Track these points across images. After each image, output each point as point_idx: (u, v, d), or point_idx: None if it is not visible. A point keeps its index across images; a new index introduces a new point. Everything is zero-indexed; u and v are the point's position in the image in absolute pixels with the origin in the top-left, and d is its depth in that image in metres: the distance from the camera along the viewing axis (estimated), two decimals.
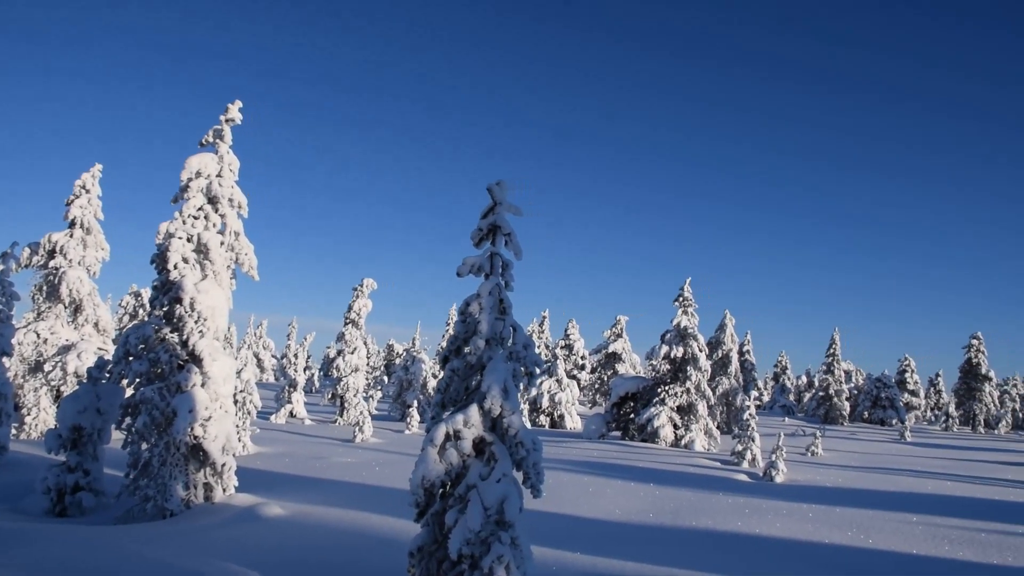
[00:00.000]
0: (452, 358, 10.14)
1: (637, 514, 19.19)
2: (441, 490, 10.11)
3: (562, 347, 72.06)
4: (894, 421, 73.20)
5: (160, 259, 17.67)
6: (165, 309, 17.62)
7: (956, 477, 31.50)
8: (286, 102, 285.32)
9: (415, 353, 51.02)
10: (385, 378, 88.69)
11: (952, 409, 74.46)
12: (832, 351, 75.08)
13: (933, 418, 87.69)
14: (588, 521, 18.10)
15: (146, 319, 18.59)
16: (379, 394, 50.46)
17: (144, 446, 16.78)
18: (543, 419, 48.91)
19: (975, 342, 76.59)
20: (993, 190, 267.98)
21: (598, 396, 63.06)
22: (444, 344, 9.60)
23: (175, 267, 17.40)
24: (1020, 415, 78.76)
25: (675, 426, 39.09)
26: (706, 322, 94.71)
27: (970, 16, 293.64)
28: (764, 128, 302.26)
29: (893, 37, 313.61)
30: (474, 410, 9.57)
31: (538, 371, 10.08)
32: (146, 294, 48.60)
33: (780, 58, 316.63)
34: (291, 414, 43.59)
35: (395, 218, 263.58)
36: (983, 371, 75.39)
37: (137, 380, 17.03)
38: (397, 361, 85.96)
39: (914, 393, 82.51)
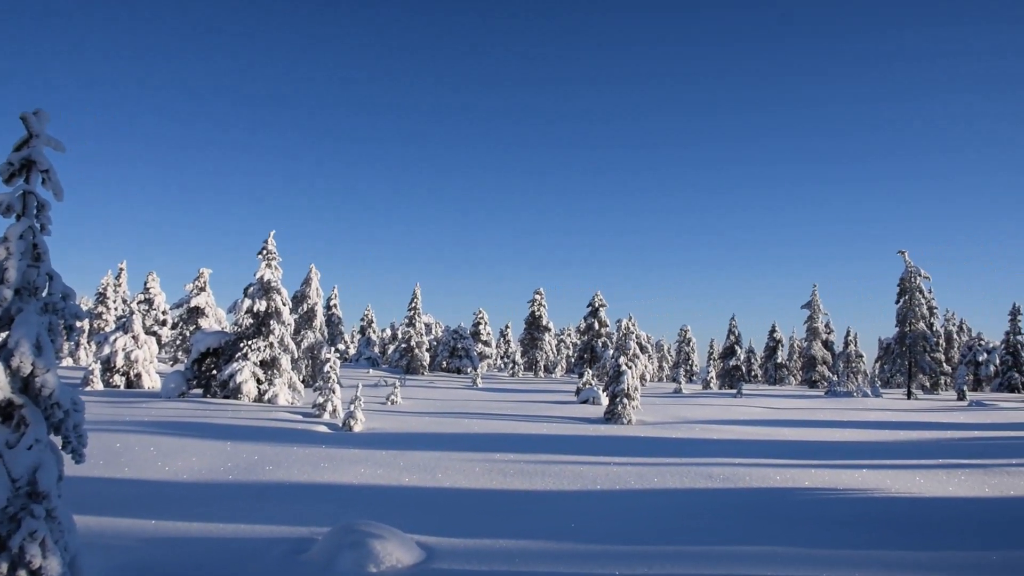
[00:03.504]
0: None
1: (211, 472, 18.58)
2: None
3: (141, 301, 67.52)
4: (469, 369, 79.02)
5: None
6: None
7: (515, 417, 34.90)
8: None
9: None
10: None
11: (519, 357, 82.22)
12: (414, 305, 78.83)
13: (503, 365, 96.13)
14: (158, 483, 17.14)
15: None
16: None
17: None
18: (118, 379, 45.38)
19: (537, 296, 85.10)
20: (547, 160, 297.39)
21: (180, 352, 60.07)
22: None
23: None
24: (572, 360, 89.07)
25: (259, 381, 38.44)
26: (293, 276, 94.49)
27: None
28: (335, 81, 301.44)
29: None
30: None
31: (79, 324, 9.13)
32: None
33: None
34: None
35: None
36: (544, 323, 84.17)
37: None
38: None
39: (487, 343, 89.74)
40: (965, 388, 62.32)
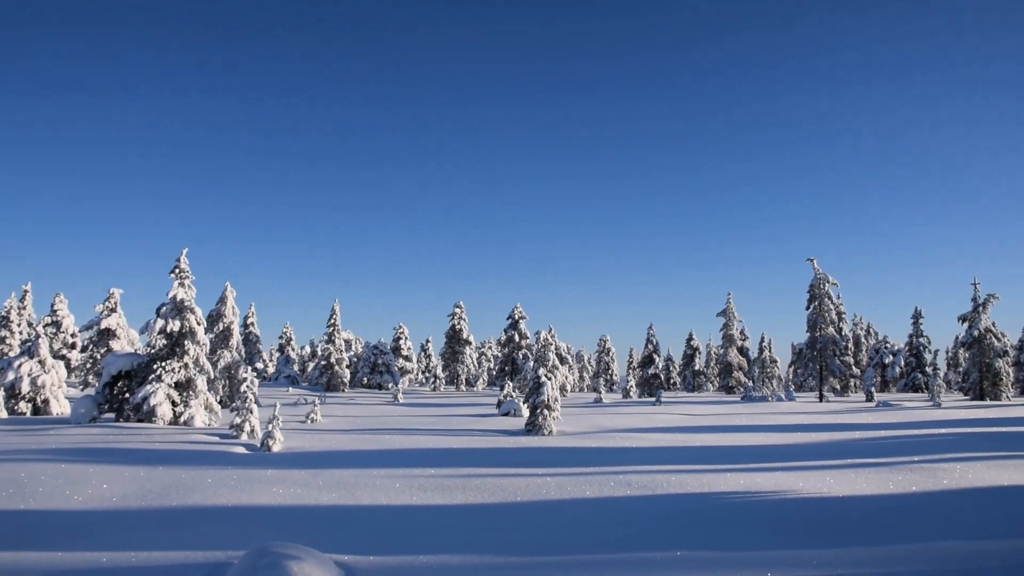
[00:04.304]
0: None
1: (123, 499, 18.05)
2: None
3: (48, 324, 65.43)
4: (390, 385, 78.51)
5: None
6: None
7: (436, 432, 34.86)
8: None
9: None
10: None
11: (440, 371, 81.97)
12: (333, 321, 78.10)
13: (424, 380, 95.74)
14: (66, 514, 16.57)
15: None
16: None
17: None
18: (24, 406, 43.66)
19: (457, 310, 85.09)
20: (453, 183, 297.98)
21: (91, 376, 58.22)
22: None
23: None
24: (494, 373, 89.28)
25: (174, 403, 37.52)
26: (208, 295, 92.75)
27: None
28: (244, 99, 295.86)
29: None
30: None
31: None
32: None
33: None
34: None
35: None
36: (464, 336, 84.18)
37: None
38: None
39: (408, 358, 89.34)
40: (873, 389, 64.67)
